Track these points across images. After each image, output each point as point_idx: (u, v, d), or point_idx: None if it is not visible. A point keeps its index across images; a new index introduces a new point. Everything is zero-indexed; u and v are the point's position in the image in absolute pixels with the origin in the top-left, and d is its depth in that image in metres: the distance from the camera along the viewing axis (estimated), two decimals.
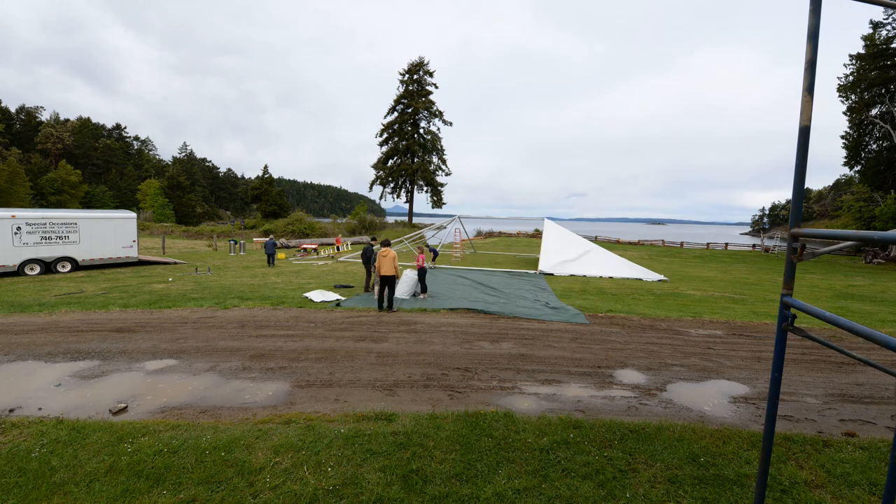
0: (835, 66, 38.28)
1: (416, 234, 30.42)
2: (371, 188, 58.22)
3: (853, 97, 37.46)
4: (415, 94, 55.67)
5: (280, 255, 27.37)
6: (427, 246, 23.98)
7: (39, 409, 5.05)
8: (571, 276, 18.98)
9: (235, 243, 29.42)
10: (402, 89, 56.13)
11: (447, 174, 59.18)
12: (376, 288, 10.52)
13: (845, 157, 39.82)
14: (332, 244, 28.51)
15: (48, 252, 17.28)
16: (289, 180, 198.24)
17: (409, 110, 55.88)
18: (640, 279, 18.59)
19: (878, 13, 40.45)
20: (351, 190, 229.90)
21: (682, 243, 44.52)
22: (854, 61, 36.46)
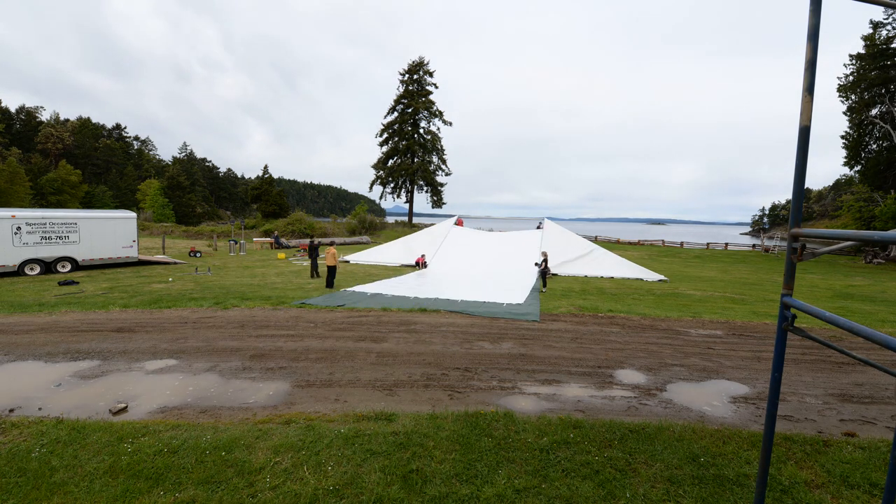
0: (835, 65, 38.31)
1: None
2: (371, 188, 58.14)
3: (853, 97, 37.47)
4: (415, 94, 55.63)
5: (280, 255, 27.35)
6: None
7: (39, 408, 5.05)
8: (572, 276, 18.99)
9: (235, 243, 29.40)
10: (402, 89, 56.14)
11: (447, 174, 59.23)
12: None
13: (845, 157, 39.82)
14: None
15: (48, 252, 17.29)
16: (289, 180, 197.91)
17: (410, 110, 55.86)
18: (640, 279, 18.61)
19: (878, 13, 40.47)
20: (351, 190, 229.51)
21: (682, 243, 44.51)
22: (854, 61, 36.46)
